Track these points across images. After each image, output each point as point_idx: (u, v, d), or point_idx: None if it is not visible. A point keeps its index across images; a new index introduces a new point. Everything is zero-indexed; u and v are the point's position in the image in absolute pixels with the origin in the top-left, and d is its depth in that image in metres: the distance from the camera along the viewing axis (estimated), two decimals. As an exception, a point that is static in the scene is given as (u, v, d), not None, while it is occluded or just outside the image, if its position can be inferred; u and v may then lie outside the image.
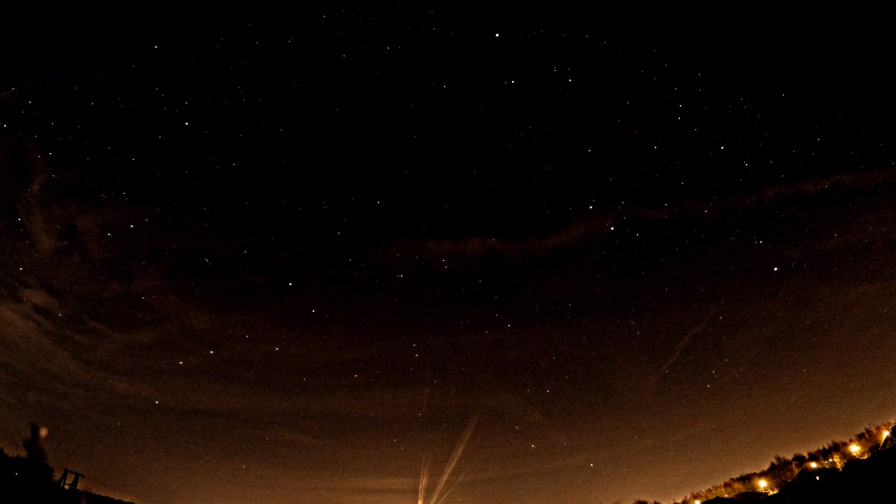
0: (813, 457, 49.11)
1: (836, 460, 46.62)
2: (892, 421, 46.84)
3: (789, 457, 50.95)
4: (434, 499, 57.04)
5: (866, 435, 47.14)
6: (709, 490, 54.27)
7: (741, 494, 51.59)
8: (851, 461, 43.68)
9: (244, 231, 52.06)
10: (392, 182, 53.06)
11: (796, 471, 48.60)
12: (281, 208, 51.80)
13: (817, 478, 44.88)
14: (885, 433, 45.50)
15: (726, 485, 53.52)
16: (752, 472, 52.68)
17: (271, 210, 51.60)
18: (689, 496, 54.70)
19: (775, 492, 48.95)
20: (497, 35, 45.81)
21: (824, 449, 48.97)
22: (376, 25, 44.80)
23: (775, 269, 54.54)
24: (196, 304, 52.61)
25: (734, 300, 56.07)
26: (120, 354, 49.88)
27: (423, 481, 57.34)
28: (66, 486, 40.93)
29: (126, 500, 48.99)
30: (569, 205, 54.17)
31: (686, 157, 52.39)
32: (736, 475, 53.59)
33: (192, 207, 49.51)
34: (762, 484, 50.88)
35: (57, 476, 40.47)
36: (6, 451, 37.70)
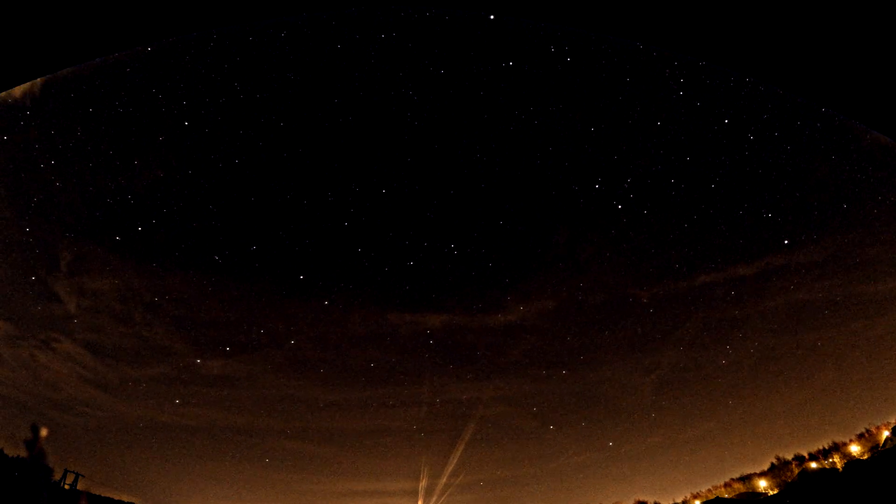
0: (813, 457, 49.08)
1: (836, 460, 46.57)
2: (892, 421, 46.82)
3: (789, 457, 50.96)
4: (434, 499, 57.05)
5: (866, 435, 47.12)
6: (709, 490, 54.25)
7: (741, 494, 51.54)
8: (851, 461, 43.63)
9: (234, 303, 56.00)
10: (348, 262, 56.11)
11: (796, 471, 48.56)
12: (256, 291, 55.78)
13: (817, 478, 44.85)
14: (885, 433, 45.46)
15: (726, 485, 53.48)
16: (752, 472, 52.69)
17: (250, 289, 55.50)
18: (689, 496, 54.69)
19: (775, 492, 48.90)
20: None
21: (824, 449, 48.95)
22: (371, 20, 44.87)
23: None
24: (202, 350, 56.64)
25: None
26: (135, 384, 54.58)
27: (423, 482, 57.36)
28: (66, 486, 40.91)
29: (126, 500, 49.03)
30: (512, 288, 58.36)
31: (614, 254, 56.65)
32: (736, 475, 53.63)
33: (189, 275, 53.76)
34: (762, 484, 50.84)
35: (57, 476, 40.47)
36: (6, 451, 37.74)
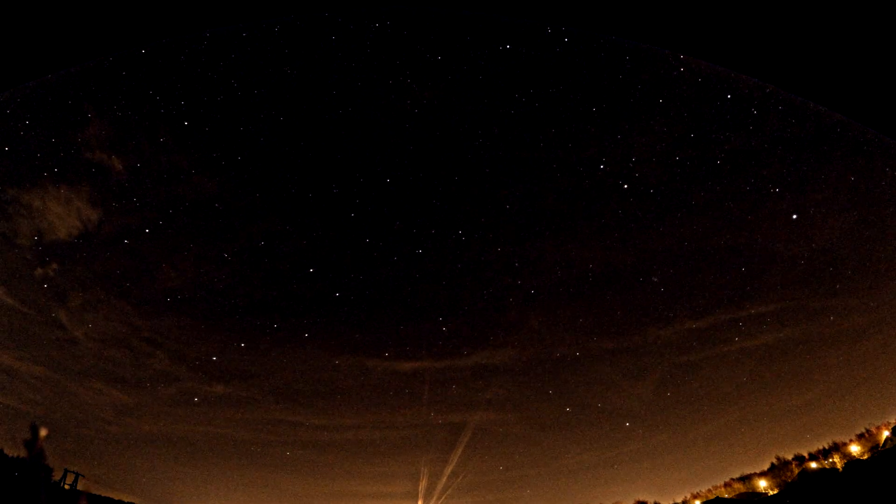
0: (813, 457, 49.06)
1: (836, 460, 46.56)
2: (892, 421, 46.81)
3: (789, 457, 50.93)
4: (434, 500, 57.07)
5: (866, 435, 47.10)
6: (709, 490, 54.24)
7: (741, 494, 51.53)
8: (851, 461, 43.62)
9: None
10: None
11: (796, 471, 48.54)
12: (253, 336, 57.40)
13: (817, 478, 44.84)
14: (885, 433, 45.45)
15: (726, 485, 53.47)
16: (752, 472, 52.67)
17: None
18: (689, 496, 54.68)
19: (775, 492, 48.90)
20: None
21: (824, 449, 48.92)
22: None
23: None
24: (204, 376, 58.17)
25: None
26: (145, 404, 57.17)
27: (423, 483, 57.40)
28: (66, 486, 40.92)
29: (126, 500, 49.04)
30: (477, 335, 59.64)
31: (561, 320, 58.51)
32: (736, 475, 53.60)
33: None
34: (762, 484, 50.84)
35: (57, 476, 40.47)
36: (6, 451, 37.75)
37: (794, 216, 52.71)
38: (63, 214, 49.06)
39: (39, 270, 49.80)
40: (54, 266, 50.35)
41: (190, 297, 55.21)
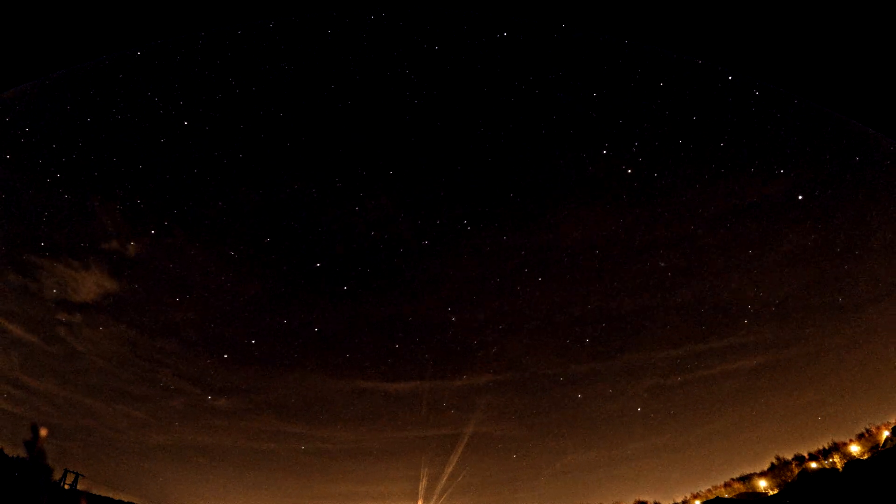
0: (813, 457, 49.07)
1: (836, 460, 46.57)
2: (892, 421, 46.81)
3: (789, 457, 50.94)
4: (434, 500, 57.10)
5: (866, 435, 47.11)
6: (709, 490, 54.23)
7: (741, 494, 51.53)
8: (851, 461, 43.63)
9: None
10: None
11: (796, 471, 48.55)
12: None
13: (817, 478, 44.85)
14: (885, 433, 45.46)
15: (726, 485, 53.47)
16: (752, 472, 52.68)
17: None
18: (689, 496, 54.67)
19: (775, 492, 48.90)
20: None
21: (824, 449, 48.94)
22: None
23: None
24: (206, 389, 58.84)
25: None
26: (152, 415, 58.63)
27: (423, 483, 57.45)
28: (66, 486, 40.92)
29: (126, 500, 49.08)
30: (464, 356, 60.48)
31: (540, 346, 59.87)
32: (736, 475, 53.61)
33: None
34: (762, 484, 50.83)
35: (57, 476, 40.46)
36: (6, 451, 37.77)
37: (800, 197, 52.74)
38: (84, 281, 52.69)
39: (64, 315, 53.17)
40: (78, 316, 54.04)
41: (194, 321, 56.94)
